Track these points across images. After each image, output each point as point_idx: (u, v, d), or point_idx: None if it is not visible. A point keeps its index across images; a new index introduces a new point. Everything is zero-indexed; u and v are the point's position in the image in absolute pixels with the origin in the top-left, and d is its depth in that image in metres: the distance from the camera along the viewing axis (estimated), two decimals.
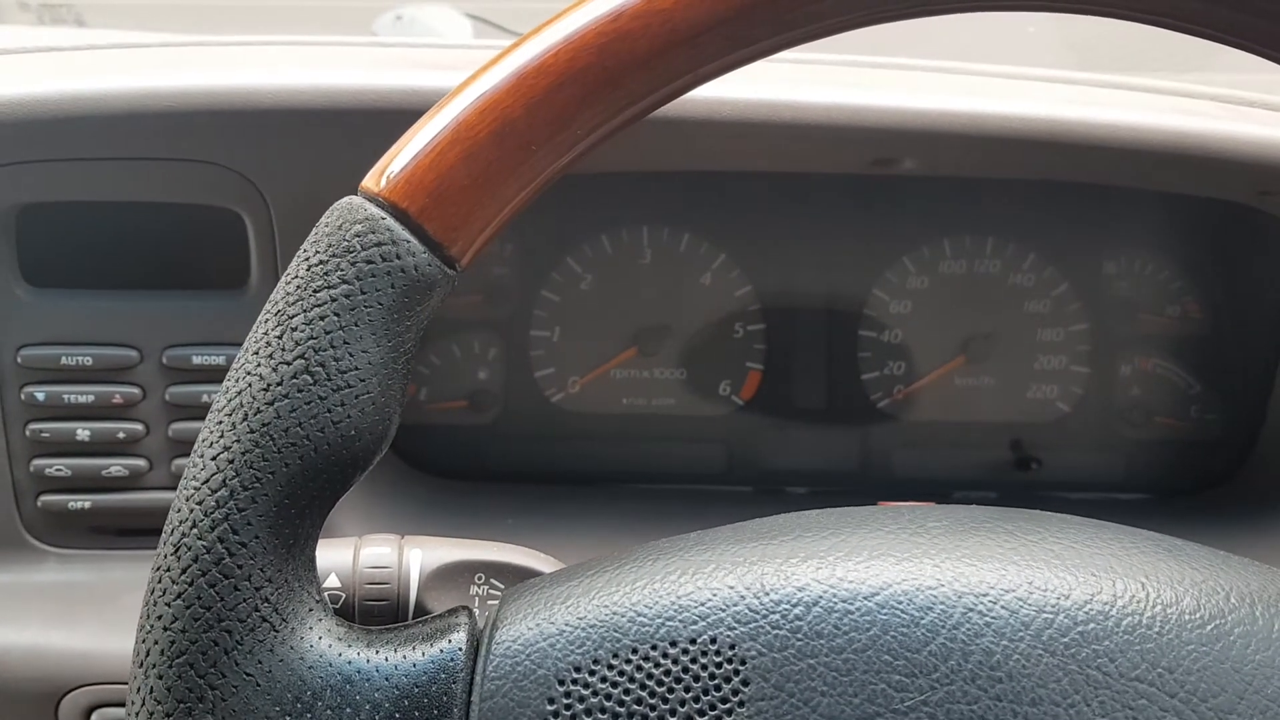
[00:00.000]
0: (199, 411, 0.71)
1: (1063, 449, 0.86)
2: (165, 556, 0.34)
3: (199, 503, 0.33)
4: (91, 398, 0.71)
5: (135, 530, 0.74)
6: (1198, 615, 0.34)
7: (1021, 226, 0.84)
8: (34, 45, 0.71)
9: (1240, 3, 0.34)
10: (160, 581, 0.34)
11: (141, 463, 0.72)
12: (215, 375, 0.71)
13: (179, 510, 0.34)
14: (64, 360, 0.71)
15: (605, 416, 0.86)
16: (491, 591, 0.47)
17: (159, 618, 0.33)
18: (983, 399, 0.86)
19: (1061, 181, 0.79)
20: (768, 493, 0.87)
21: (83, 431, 0.71)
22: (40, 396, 0.71)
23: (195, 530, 0.33)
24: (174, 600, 0.33)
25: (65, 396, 0.71)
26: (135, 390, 0.71)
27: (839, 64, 0.72)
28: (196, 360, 0.71)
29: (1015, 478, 0.86)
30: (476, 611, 0.46)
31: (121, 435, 0.72)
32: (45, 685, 0.69)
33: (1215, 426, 0.87)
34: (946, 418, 0.86)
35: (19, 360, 0.70)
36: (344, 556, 0.46)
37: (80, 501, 0.72)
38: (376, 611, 0.45)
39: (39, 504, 0.73)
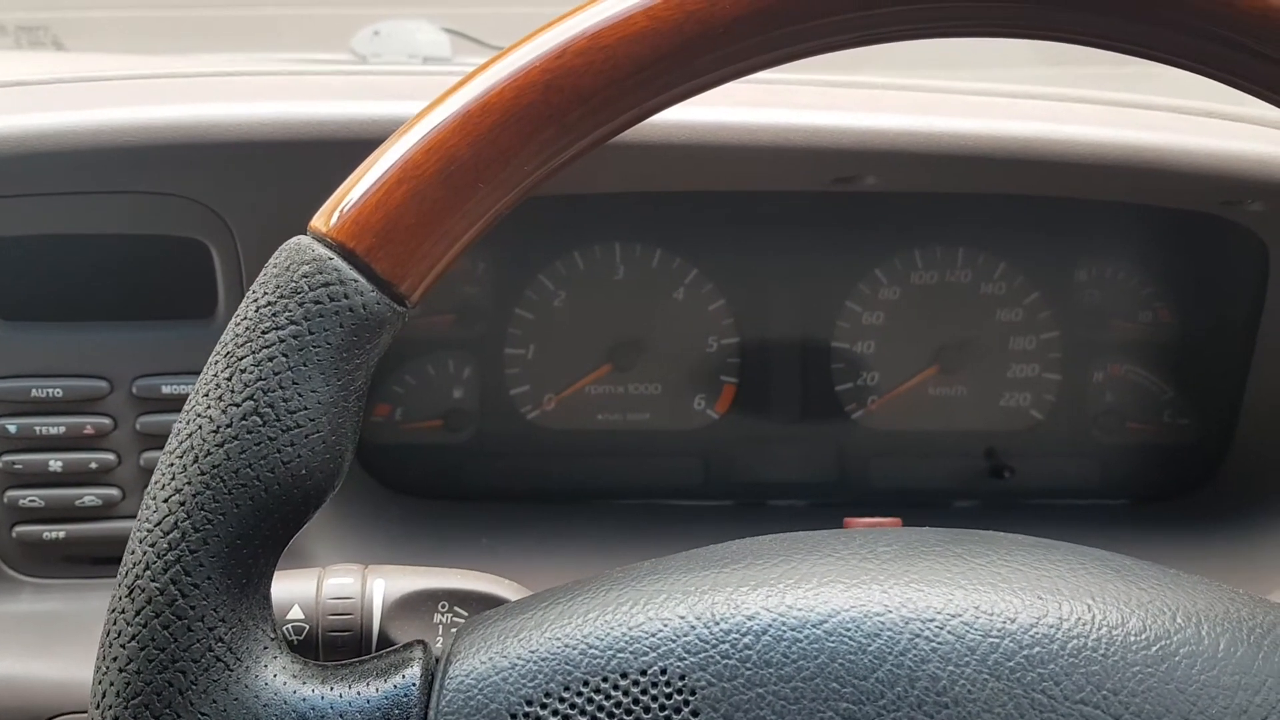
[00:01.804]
0: None
1: (1037, 456, 0.87)
2: (120, 599, 0.34)
3: (151, 545, 0.34)
4: (63, 429, 0.71)
5: (110, 559, 0.74)
6: (1143, 636, 0.34)
7: (992, 236, 0.84)
8: (1, 80, 0.72)
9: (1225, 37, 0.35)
10: (115, 623, 0.34)
11: (114, 492, 0.73)
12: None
13: (133, 552, 0.34)
14: (35, 392, 0.71)
15: (581, 433, 0.86)
16: (455, 620, 0.47)
17: (114, 659, 0.34)
18: (956, 408, 0.87)
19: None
20: (747, 506, 0.87)
21: (55, 462, 0.72)
22: (12, 429, 0.71)
23: (148, 572, 0.34)
24: (128, 642, 0.33)
25: (37, 428, 0.71)
26: (106, 421, 0.72)
27: (798, 83, 0.73)
28: (166, 390, 0.71)
29: (990, 486, 0.87)
30: (439, 641, 0.47)
31: (94, 465, 0.72)
32: (24, 715, 0.69)
33: (1189, 431, 0.87)
34: (921, 427, 0.87)
35: None
36: (307, 588, 0.46)
37: (55, 531, 0.73)
38: (340, 643, 0.46)
39: (13, 534, 0.73)
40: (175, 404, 0.71)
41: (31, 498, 0.72)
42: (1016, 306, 0.85)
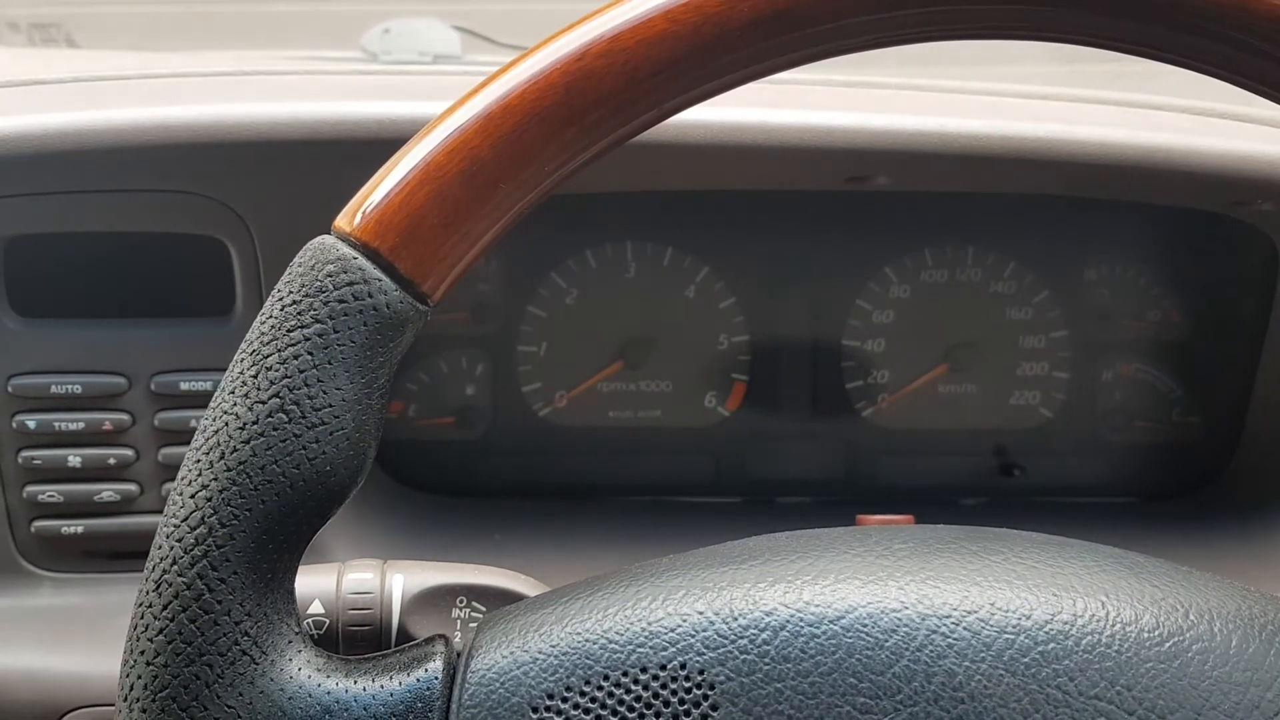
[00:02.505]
0: (188, 437, 0.72)
1: (1046, 454, 0.87)
2: (147, 593, 0.35)
3: (179, 540, 0.34)
4: (82, 425, 0.72)
5: (128, 553, 0.75)
6: (1156, 633, 0.34)
7: (1002, 235, 0.84)
8: (20, 79, 0.72)
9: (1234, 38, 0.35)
10: (143, 617, 0.34)
11: (132, 487, 0.73)
12: (203, 401, 0.72)
13: (160, 547, 0.35)
14: (54, 389, 0.72)
15: (592, 430, 0.87)
16: (473, 614, 0.47)
17: (142, 653, 0.34)
18: (966, 406, 0.87)
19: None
20: (757, 503, 0.88)
21: (74, 458, 0.72)
22: (31, 425, 0.72)
23: (175, 567, 0.34)
24: (156, 636, 0.34)
25: (56, 424, 0.72)
26: (125, 417, 0.72)
27: (811, 83, 0.73)
28: (184, 386, 0.72)
29: (1000, 484, 0.87)
30: (458, 635, 0.47)
31: (112, 461, 0.73)
32: (43, 707, 0.70)
33: (1197, 429, 0.87)
34: (931, 425, 0.87)
35: (10, 389, 0.71)
36: (327, 583, 0.47)
37: (73, 526, 0.73)
38: (360, 638, 0.46)
39: (33, 529, 0.74)
40: (193, 400, 0.72)
41: (50, 493, 0.73)
42: (1026, 305, 0.86)
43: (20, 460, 0.72)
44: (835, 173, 0.72)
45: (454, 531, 0.82)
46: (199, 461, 0.35)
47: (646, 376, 0.86)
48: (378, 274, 0.35)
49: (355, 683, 0.35)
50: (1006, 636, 0.34)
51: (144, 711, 0.34)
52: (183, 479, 0.35)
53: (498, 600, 0.47)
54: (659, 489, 0.87)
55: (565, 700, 0.34)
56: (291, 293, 0.35)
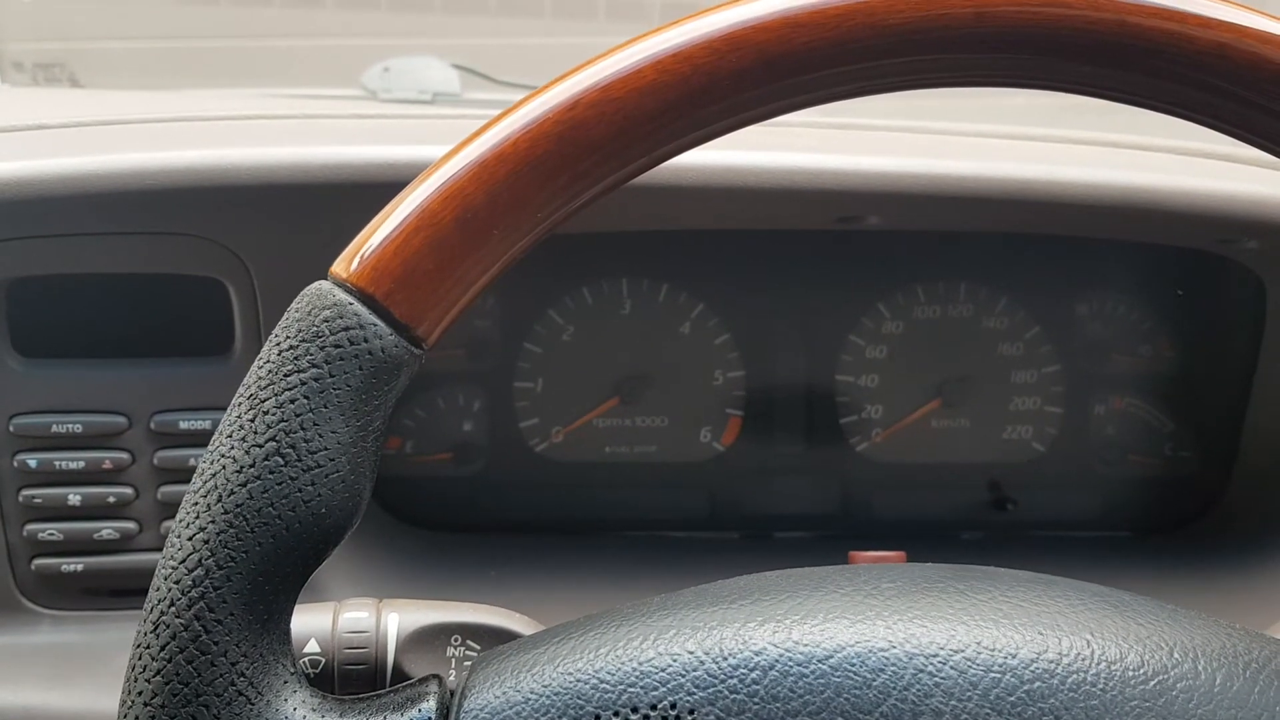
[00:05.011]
0: (187, 475, 0.72)
1: (1039, 489, 0.87)
2: (145, 634, 0.35)
3: (176, 582, 0.35)
4: (82, 463, 0.73)
5: (127, 590, 0.75)
6: (1141, 671, 0.35)
7: (994, 271, 0.85)
8: (23, 124, 0.73)
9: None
10: (140, 658, 0.35)
11: (132, 525, 0.74)
12: (202, 439, 0.72)
13: (158, 589, 0.35)
14: (55, 428, 0.72)
15: (589, 465, 0.87)
16: (468, 653, 0.48)
17: (139, 694, 0.35)
18: (959, 441, 0.87)
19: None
20: (753, 539, 0.88)
21: (74, 496, 0.73)
22: (32, 463, 0.72)
23: (173, 609, 0.35)
24: (153, 677, 0.34)
25: (57, 463, 0.73)
26: (124, 455, 0.73)
27: (802, 125, 0.74)
28: (184, 425, 0.73)
29: (993, 518, 0.87)
30: (452, 674, 0.48)
31: (112, 499, 0.73)
32: None
33: (1190, 463, 0.88)
34: (924, 460, 0.88)
35: (11, 429, 0.72)
36: (323, 622, 0.47)
37: (73, 564, 0.74)
38: (355, 676, 0.46)
39: (32, 567, 0.74)
40: (192, 439, 0.73)
41: (50, 531, 0.73)
42: (1018, 340, 0.86)
43: (21, 498, 0.73)
44: (826, 213, 0.73)
45: (450, 567, 0.82)
46: (196, 504, 0.35)
47: (642, 412, 0.87)
48: (373, 319, 0.36)
49: None
50: (993, 675, 0.34)
51: None
52: (180, 521, 0.35)
53: (492, 639, 0.48)
54: (655, 524, 0.87)
55: None
56: (288, 338, 0.36)
